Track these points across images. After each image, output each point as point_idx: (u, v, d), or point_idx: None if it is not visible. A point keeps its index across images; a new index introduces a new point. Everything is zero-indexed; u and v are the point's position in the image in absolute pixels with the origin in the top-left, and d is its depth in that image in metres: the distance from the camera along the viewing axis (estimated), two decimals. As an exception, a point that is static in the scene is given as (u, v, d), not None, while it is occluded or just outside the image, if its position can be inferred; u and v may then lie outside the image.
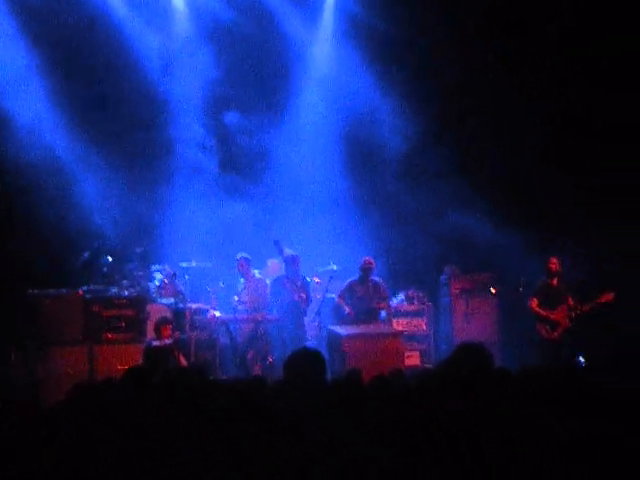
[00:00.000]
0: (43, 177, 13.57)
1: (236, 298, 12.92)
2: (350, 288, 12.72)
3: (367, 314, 12.59)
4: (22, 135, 13.53)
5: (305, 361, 5.59)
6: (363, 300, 12.64)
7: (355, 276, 12.79)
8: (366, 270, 12.68)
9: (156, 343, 11.24)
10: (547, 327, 12.32)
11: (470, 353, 5.50)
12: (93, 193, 13.89)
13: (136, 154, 14.26)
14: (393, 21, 14.34)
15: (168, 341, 11.23)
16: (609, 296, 12.14)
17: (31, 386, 11.03)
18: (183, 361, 11.39)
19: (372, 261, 12.72)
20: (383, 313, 12.96)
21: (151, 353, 11.11)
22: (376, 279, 12.85)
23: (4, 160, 13.41)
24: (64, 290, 12.05)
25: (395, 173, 14.91)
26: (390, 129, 14.82)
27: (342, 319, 12.49)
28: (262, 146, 14.70)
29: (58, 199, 13.65)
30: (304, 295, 12.64)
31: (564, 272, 12.51)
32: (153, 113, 14.33)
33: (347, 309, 12.50)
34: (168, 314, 12.24)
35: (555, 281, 12.49)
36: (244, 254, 13.07)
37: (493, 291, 13.67)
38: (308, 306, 12.72)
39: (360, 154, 15.06)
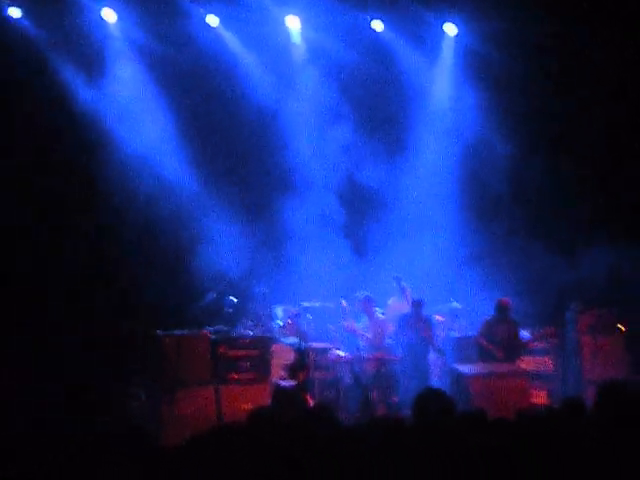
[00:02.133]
0: (163, 213, 13.94)
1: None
2: (489, 328, 12.60)
3: (511, 354, 12.48)
4: (138, 165, 13.95)
5: (432, 402, 5.54)
6: (506, 340, 12.50)
7: (488, 316, 12.68)
8: (504, 310, 12.57)
9: (284, 384, 11.24)
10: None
11: (614, 394, 5.41)
12: (215, 231, 14.15)
13: (255, 191, 14.57)
14: (511, 56, 14.28)
15: (294, 382, 11.22)
16: None
17: (156, 427, 11.20)
18: (310, 402, 11.38)
19: (509, 301, 12.63)
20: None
21: (280, 394, 11.11)
22: (513, 317, 12.71)
23: (122, 194, 13.79)
24: (191, 331, 12.26)
25: (514, 209, 14.79)
26: (505, 164, 14.73)
27: (490, 360, 12.38)
28: (380, 183, 14.74)
29: (180, 237, 13.95)
30: (430, 334, 12.57)
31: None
32: (272, 150, 14.60)
33: (497, 349, 12.40)
34: (292, 354, 12.28)
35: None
36: (367, 293, 13.06)
37: (621, 327, 13.28)
38: (434, 345, 12.63)
39: (478, 189, 14.97)
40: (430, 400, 5.58)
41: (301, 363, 11.52)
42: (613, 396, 5.48)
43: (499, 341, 12.44)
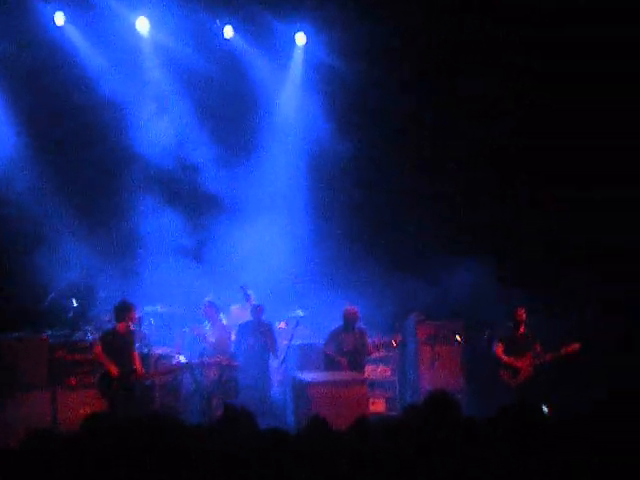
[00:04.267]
0: (2, 210, 13.55)
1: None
2: (336, 338, 12.53)
3: (357, 363, 12.47)
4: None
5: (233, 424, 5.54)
6: (353, 350, 12.47)
7: (337, 325, 12.61)
8: (351, 320, 12.52)
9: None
10: (510, 373, 12.37)
11: (438, 402, 5.57)
12: (57, 232, 13.83)
13: (104, 194, 14.32)
14: (359, 68, 14.55)
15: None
16: (575, 347, 12.22)
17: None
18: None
19: (356, 310, 12.61)
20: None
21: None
22: (361, 327, 12.71)
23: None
24: (28, 334, 11.95)
25: (356, 220, 15.02)
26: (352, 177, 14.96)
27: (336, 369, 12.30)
28: (225, 188, 14.73)
29: (20, 236, 13.58)
30: (270, 341, 12.65)
31: (537, 324, 12.59)
32: (116, 152, 14.39)
33: (341, 359, 12.30)
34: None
35: (522, 329, 12.54)
36: (211, 298, 13.01)
37: (459, 338, 13.64)
38: (275, 352, 12.72)
39: (323, 195, 15.16)
40: (230, 422, 5.58)
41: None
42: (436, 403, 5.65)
43: (346, 351, 12.38)
